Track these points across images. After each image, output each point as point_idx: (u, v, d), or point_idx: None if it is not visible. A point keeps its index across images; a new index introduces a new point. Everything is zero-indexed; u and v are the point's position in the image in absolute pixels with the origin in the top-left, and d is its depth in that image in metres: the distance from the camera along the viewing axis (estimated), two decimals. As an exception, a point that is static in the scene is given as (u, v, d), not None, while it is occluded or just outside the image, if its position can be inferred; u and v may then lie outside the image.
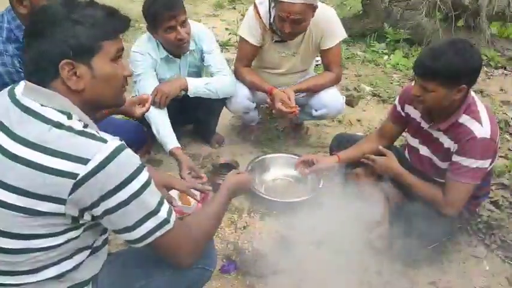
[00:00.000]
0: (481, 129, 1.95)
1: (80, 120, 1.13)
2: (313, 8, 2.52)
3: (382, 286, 2.05)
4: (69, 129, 1.09)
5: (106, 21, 1.16)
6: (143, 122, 2.69)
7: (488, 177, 2.22)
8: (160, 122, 2.55)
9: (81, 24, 1.12)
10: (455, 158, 2.01)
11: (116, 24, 1.20)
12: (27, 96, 1.13)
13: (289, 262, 2.12)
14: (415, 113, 2.23)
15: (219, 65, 2.75)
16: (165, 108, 2.59)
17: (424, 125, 2.17)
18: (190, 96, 2.65)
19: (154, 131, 2.55)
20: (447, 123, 2.04)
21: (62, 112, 1.11)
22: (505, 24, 5.55)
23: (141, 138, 2.61)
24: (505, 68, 4.83)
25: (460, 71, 1.88)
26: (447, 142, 2.07)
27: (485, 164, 1.98)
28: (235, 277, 2.07)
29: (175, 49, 2.62)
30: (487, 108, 2.07)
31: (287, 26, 2.54)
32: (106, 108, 1.29)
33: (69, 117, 1.12)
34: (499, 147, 3.16)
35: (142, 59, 2.59)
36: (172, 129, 2.56)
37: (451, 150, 2.04)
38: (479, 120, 1.98)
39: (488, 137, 1.95)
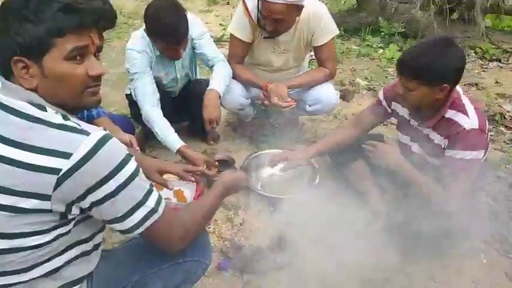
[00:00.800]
0: (469, 121, 1.95)
1: (56, 112, 1.10)
2: (296, 7, 2.50)
3: (380, 281, 2.05)
4: (48, 123, 1.06)
5: (57, 16, 1.05)
6: (137, 120, 2.70)
7: (482, 169, 2.20)
8: (162, 124, 2.53)
9: (29, 20, 1.04)
10: (448, 152, 2.00)
11: (70, 20, 1.06)
12: (1, 93, 1.10)
13: (287, 259, 2.12)
14: (403, 111, 2.22)
15: (212, 52, 2.76)
16: (160, 110, 2.58)
17: (414, 122, 2.17)
18: None
19: (157, 134, 2.54)
20: (433, 120, 2.05)
21: (34, 105, 1.08)
22: (500, 16, 5.55)
23: (128, 128, 2.59)
24: (499, 61, 4.83)
25: (441, 71, 1.87)
26: (437, 138, 2.06)
27: (479, 154, 1.97)
28: (232, 274, 2.05)
29: (169, 58, 2.63)
30: (471, 101, 2.06)
31: (269, 24, 2.53)
32: (72, 110, 1.18)
33: (44, 109, 1.08)
34: (495, 140, 3.19)
35: (140, 57, 2.56)
36: (173, 129, 2.55)
37: (442, 146, 2.04)
38: (465, 113, 1.97)
39: (477, 127, 1.94)
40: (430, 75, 1.88)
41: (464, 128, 1.94)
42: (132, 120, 2.90)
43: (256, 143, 3.09)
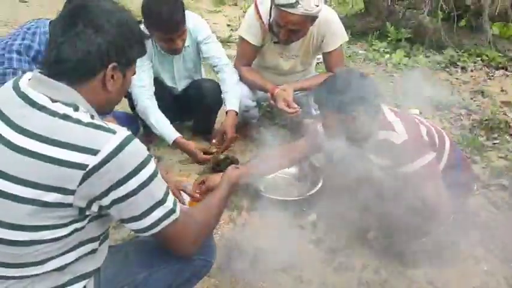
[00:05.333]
0: (397, 135, 1.99)
1: (86, 112, 1.15)
2: (312, 19, 2.51)
3: (380, 285, 2.05)
4: (77, 121, 1.10)
5: (144, 43, 1.30)
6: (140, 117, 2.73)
7: (456, 167, 2.19)
8: (158, 115, 2.56)
9: (136, 38, 1.26)
10: (401, 170, 2.01)
11: (144, 50, 1.32)
12: (34, 89, 1.14)
13: (288, 260, 2.12)
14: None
15: (217, 55, 2.76)
16: (155, 102, 2.61)
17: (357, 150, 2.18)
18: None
19: (153, 125, 2.55)
20: (369, 144, 2.08)
21: (69, 105, 1.13)
22: (507, 24, 5.55)
23: (133, 127, 2.62)
24: (506, 69, 4.82)
25: (341, 102, 1.95)
26: (384, 162, 2.07)
27: (428, 157, 1.99)
28: (234, 274, 2.06)
29: (168, 52, 2.63)
30: (396, 113, 2.11)
31: (283, 33, 2.54)
32: (105, 113, 1.33)
33: (76, 109, 1.13)
34: (499, 148, 3.20)
35: None
36: (168, 121, 2.57)
37: (391, 166, 2.05)
38: (393, 129, 2.02)
39: (407, 137, 1.98)
40: (335, 106, 1.98)
41: (396, 144, 1.98)
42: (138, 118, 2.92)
43: (260, 144, 3.09)
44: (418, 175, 1.98)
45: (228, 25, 5.55)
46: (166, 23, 2.40)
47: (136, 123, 2.80)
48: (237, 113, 2.68)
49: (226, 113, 2.68)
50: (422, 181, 1.99)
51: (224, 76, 2.73)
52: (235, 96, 2.69)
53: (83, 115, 1.13)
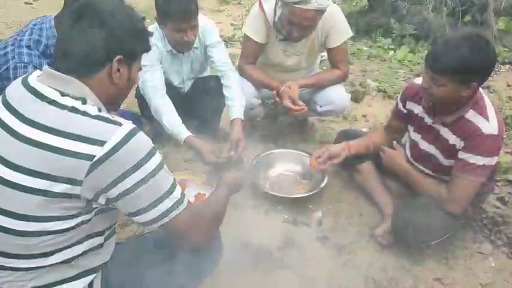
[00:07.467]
0: (488, 125, 1.92)
1: (94, 105, 1.19)
2: (323, 13, 2.50)
3: (386, 282, 2.05)
4: (85, 113, 1.14)
5: (147, 39, 1.36)
6: (146, 117, 2.71)
7: (492, 174, 2.18)
8: (170, 115, 2.55)
9: (140, 33, 1.31)
10: (462, 155, 1.97)
11: (148, 46, 1.38)
12: (43, 83, 1.18)
13: (294, 258, 2.12)
14: (418, 109, 2.20)
15: (224, 60, 2.75)
16: (169, 99, 2.60)
17: (428, 120, 2.14)
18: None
19: (165, 126, 2.55)
20: (453, 117, 2.01)
21: (77, 98, 1.17)
22: (513, 19, 5.50)
23: (138, 124, 2.63)
24: (512, 64, 4.79)
25: (472, 68, 1.82)
26: (452, 139, 2.03)
27: (492, 161, 1.95)
28: (239, 273, 2.06)
29: (179, 47, 2.62)
30: (493, 105, 2.04)
31: (296, 30, 2.53)
32: (112, 109, 1.36)
33: (84, 102, 1.17)
34: (506, 144, 3.18)
35: (151, 50, 2.57)
36: (180, 120, 2.57)
37: (457, 147, 2.01)
38: (486, 117, 1.94)
39: (496, 133, 1.92)
40: (461, 72, 1.82)
41: (483, 133, 1.91)
42: (142, 117, 2.93)
43: (265, 142, 3.09)
44: (471, 169, 1.95)
45: (232, 24, 5.54)
46: (184, 8, 2.39)
47: (140, 121, 2.81)
48: (242, 121, 2.67)
49: (232, 121, 2.66)
50: (468, 175, 1.96)
51: (229, 83, 2.72)
52: (241, 104, 2.69)
53: (91, 108, 1.16)
